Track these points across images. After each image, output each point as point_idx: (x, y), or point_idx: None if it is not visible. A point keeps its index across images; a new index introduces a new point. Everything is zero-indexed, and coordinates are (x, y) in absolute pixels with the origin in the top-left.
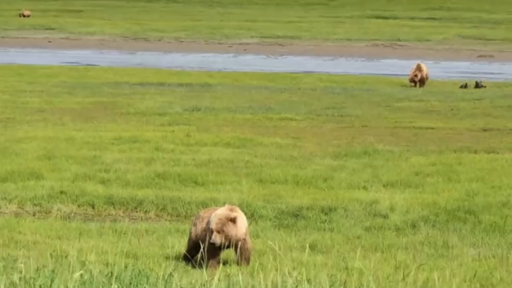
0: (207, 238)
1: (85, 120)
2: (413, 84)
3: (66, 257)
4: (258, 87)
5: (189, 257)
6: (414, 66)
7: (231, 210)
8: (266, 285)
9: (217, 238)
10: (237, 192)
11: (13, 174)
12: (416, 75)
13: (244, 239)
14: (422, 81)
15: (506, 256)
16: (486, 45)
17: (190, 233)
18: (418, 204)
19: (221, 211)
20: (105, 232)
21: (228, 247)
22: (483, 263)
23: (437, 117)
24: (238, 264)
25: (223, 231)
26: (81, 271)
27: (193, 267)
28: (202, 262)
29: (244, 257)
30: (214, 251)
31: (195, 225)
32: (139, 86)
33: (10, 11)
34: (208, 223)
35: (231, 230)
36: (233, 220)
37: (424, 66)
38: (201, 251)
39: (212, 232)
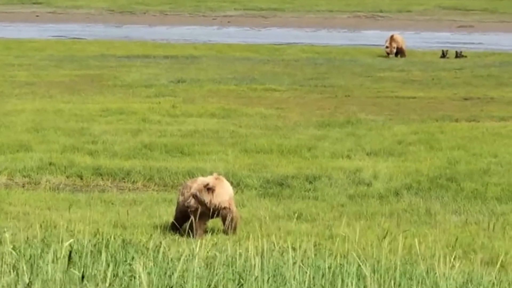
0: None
1: (73, 93)
2: (390, 55)
3: (55, 227)
4: (242, 59)
5: (177, 226)
6: (388, 38)
7: (216, 179)
8: (253, 253)
9: (191, 202)
10: (223, 161)
11: (2, 146)
12: (387, 47)
13: (228, 208)
14: (401, 52)
15: (487, 223)
16: (466, 15)
17: (178, 202)
18: (401, 172)
19: (204, 179)
20: (93, 203)
21: (214, 216)
22: (465, 229)
23: (419, 86)
24: (225, 232)
25: (198, 197)
26: (71, 241)
27: (181, 236)
28: (189, 231)
29: (230, 226)
30: (201, 219)
31: (182, 194)
32: (125, 59)
33: None
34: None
35: (206, 197)
36: (209, 189)
37: (398, 37)
38: (189, 220)
39: (189, 196)
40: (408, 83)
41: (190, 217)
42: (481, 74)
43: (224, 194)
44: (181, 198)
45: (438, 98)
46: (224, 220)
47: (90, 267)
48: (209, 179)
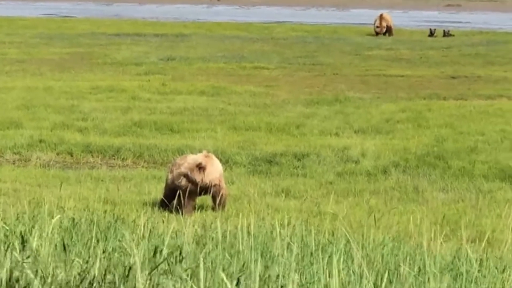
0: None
1: (63, 70)
2: (378, 34)
3: (45, 204)
4: (231, 37)
5: (166, 202)
6: (377, 17)
7: (206, 156)
8: (242, 229)
9: (182, 182)
10: (212, 139)
11: None
12: (377, 26)
13: (218, 185)
14: (389, 30)
15: (474, 200)
16: None
17: (167, 179)
18: (388, 150)
19: (195, 157)
20: (83, 179)
21: (203, 193)
22: (453, 207)
23: (407, 65)
24: (214, 209)
25: (189, 176)
26: (59, 216)
27: (170, 213)
28: (178, 208)
29: (219, 203)
30: (190, 196)
31: (171, 171)
32: (115, 37)
33: None
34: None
35: (198, 176)
36: (201, 167)
37: (387, 16)
38: (177, 196)
39: (180, 175)
40: (396, 62)
41: (179, 194)
42: (468, 53)
43: (215, 172)
44: (170, 176)
45: (426, 77)
46: (214, 197)
47: (80, 244)
48: (199, 157)
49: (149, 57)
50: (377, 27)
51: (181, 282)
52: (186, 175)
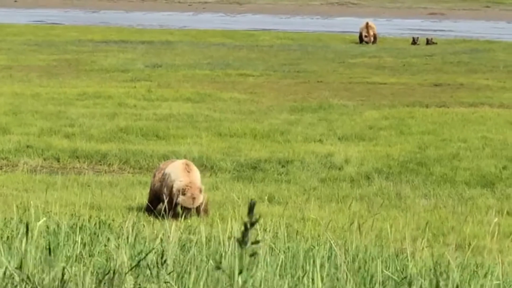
0: (175, 198)
1: (50, 77)
2: (364, 43)
3: (32, 208)
4: (217, 44)
5: (151, 207)
6: (363, 25)
7: (187, 164)
8: (226, 235)
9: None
10: (197, 145)
11: None
12: (366, 36)
13: (202, 202)
14: (375, 38)
15: (456, 206)
16: (437, 3)
17: (151, 185)
18: (372, 157)
19: (180, 172)
20: (70, 185)
21: None
22: (435, 213)
23: (390, 72)
24: (198, 215)
25: (182, 205)
26: (45, 218)
27: (155, 217)
28: (164, 213)
29: (203, 210)
30: (172, 203)
31: (154, 176)
32: (102, 44)
33: None
34: (164, 174)
35: (188, 203)
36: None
37: (372, 24)
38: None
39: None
40: (379, 69)
41: (163, 199)
42: (451, 61)
43: (200, 194)
44: (152, 180)
45: (409, 84)
46: (197, 209)
47: (66, 248)
48: (182, 170)
49: (136, 64)
50: (365, 36)
51: (167, 286)
52: (179, 205)
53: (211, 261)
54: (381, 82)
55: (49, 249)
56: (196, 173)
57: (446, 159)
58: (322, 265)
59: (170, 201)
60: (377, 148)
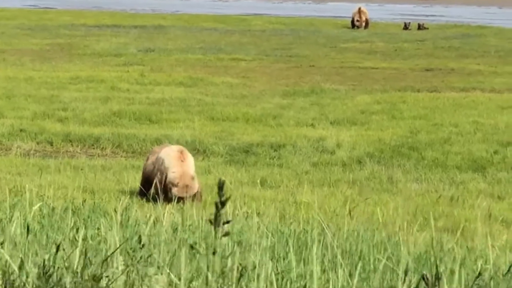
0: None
1: (43, 61)
2: (356, 27)
3: (25, 192)
4: (209, 29)
5: (144, 191)
6: (355, 10)
7: (181, 152)
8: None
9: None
10: (190, 129)
11: None
12: (358, 20)
13: (198, 191)
14: (366, 23)
15: (448, 191)
16: None
17: (144, 168)
18: (363, 141)
19: (173, 161)
20: (63, 168)
21: None
22: (426, 197)
23: (382, 57)
24: (192, 201)
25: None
26: (40, 204)
27: (148, 201)
28: (156, 196)
29: (196, 196)
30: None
31: (147, 159)
32: (95, 28)
33: None
34: (158, 159)
35: (183, 192)
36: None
37: (365, 9)
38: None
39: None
40: (371, 54)
41: (155, 183)
42: (442, 46)
43: (194, 182)
44: (145, 164)
45: (400, 69)
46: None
47: (59, 231)
48: (176, 157)
49: (128, 48)
50: (357, 21)
51: (160, 269)
52: (174, 194)
53: (203, 244)
54: (373, 66)
55: (42, 232)
56: (189, 161)
57: (438, 143)
58: (313, 249)
59: (163, 188)
60: (368, 133)
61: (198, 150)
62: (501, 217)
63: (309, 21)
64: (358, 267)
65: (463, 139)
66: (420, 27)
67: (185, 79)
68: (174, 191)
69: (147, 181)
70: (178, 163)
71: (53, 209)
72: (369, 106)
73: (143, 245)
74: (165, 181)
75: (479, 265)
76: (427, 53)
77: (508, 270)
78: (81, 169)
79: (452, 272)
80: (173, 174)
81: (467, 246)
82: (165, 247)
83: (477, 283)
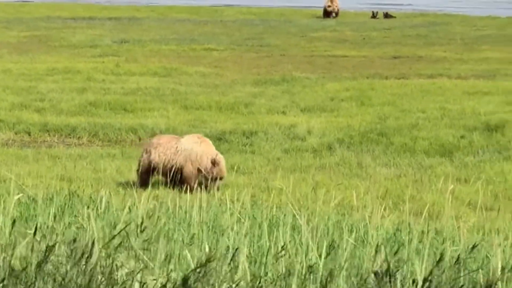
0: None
1: (21, 53)
2: (328, 16)
3: (4, 181)
4: (183, 20)
5: (143, 181)
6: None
7: (199, 138)
8: (193, 204)
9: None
10: (164, 118)
11: None
12: (329, 6)
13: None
14: (337, 13)
15: (416, 175)
16: None
17: (143, 159)
18: (333, 127)
19: (203, 146)
20: (41, 158)
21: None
22: (395, 181)
23: (350, 45)
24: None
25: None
26: (20, 195)
27: (124, 188)
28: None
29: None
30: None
31: (147, 152)
32: (70, 21)
33: None
34: (180, 150)
35: (213, 171)
36: (215, 163)
37: None
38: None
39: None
40: (340, 43)
41: (152, 173)
42: (409, 34)
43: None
44: (145, 156)
45: (369, 57)
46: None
47: (37, 220)
48: (207, 150)
49: (104, 39)
50: (329, 6)
51: (137, 254)
52: (200, 170)
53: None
54: (342, 55)
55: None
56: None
57: (406, 129)
58: (286, 233)
59: (193, 175)
60: (338, 119)
61: None
62: (468, 199)
63: (280, 11)
64: (330, 251)
65: (431, 124)
66: (387, 16)
67: (159, 69)
68: (215, 171)
69: (147, 172)
70: (207, 146)
71: (32, 198)
72: (338, 93)
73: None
74: (199, 165)
75: (448, 247)
76: (394, 41)
77: (472, 250)
78: (59, 158)
79: (418, 252)
80: (210, 155)
81: (435, 229)
82: (141, 233)
83: (440, 265)
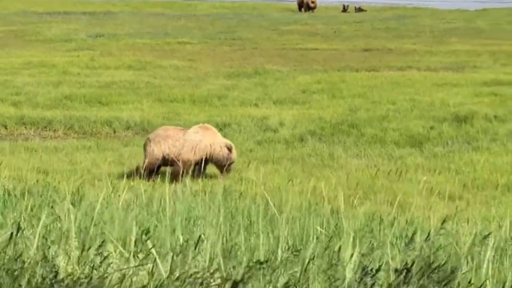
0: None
1: None
2: (307, 11)
3: None
4: (157, 14)
5: (151, 171)
6: None
7: (206, 127)
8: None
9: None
10: (139, 110)
11: None
12: (312, 2)
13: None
14: (315, 7)
15: (386, 165)
16: None
17: (151, 151)
18: (305, 119)
19: (212, 135)
20: (17, 150)
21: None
22: (366, 172)
23: (321, 39)
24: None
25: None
26: None
27: (99, 180)
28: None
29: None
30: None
31: (157, 143)
32: (46, 15)
33: None
34: (188, 140)
35: (232, 155)
36: (230, 148)
37: None
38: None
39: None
40: (311, 36)
41: (160, 165)
42: (379, 27)
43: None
44: (152, 148)
45: (340, 50)
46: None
47: (15, 211)
48: (217, 138)
49: (79, 34)
50: (312, 2)
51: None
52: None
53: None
54: (313, 48)
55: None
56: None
57: (376, 120)
58: (259, 223)
59: (192, 162)
60: (310, 111)
61: (147, 130)
62: (438, 190)
63: (252, 5)
64: (303, 242)
65: (401, 116)
66: (357, 9)
67: (134, 62)
68: (232, 156)
69: (156, 162)
70: (215, 135)
71: (8, 191)
72: (310, 85)
73: (97, 223)
74: (212, 152)
75: (418, 236)
76: (365, 34)
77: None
78: (35, 151)
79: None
80: (223, 142)
81: (406, 218)
82: (117, 224)
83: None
